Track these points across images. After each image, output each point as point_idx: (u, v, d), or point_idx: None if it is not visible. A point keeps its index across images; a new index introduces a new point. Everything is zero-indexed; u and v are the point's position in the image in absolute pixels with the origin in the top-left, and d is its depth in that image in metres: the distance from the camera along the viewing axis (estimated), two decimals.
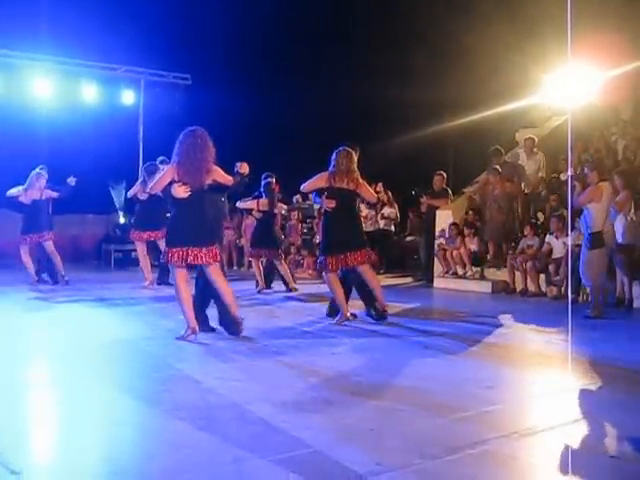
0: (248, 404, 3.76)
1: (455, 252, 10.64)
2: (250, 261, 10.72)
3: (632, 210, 8.09)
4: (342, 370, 4.73)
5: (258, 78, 17.20)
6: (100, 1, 15.57)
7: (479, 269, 10.43)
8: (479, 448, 3.13)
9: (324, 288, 7.40)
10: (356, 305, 7.13)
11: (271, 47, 17.24)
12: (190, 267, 5.75)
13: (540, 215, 10.78)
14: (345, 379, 4.49)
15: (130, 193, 9.85)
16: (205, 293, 5.94)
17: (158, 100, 14.65)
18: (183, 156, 5.56)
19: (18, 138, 12.75)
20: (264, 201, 9.45)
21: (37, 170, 9.68)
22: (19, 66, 13.18)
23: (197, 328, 5.63)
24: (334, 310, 6.87)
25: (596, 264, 7.38)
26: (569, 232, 8.87)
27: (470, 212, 11.11)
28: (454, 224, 10.91)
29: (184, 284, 5.67)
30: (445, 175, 11.52)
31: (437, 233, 11.12)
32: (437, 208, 11.19)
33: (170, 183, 5.58)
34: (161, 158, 9.75)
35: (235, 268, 13.61)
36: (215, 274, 5.69)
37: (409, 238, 13.39)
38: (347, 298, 6.91)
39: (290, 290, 9.50)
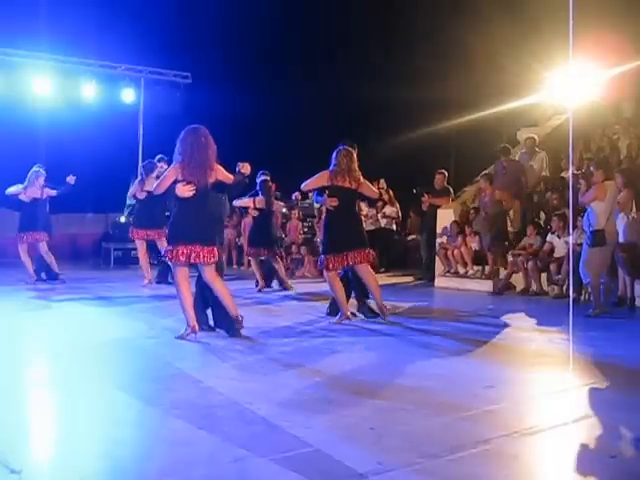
0: (248, 403, 3.74)
1: (456, 251, 10.62)
2: (249, 260, 10.70)
3: (633, 209, 8.07)
4: (343, 369, 4.72)
5: (259, 76, 17.18)
6: None
7: (480, 268, 10.40)
8: (480, 447, 3.11)
9: (324, 287, 7.38)
10: (355, 305, 7.12)
11: (272, 46, 17.22)
12: (190, 265, 5.72)
13: (542, 214, 10.75)
14: (346, 378, 4.47)
15: (129, 193, 9.83)
16: (206, 292, 5.91)
17: (158, 98, 14.61)
18: (187, 155, 5.52)
19: (18, 137, 12.73)
20: (260, 199, 9.43)
21: (35, 168, 9.66)
22: (19, 64, 13.15)
23: (197, 327, 5.61)
24: (335, 309, 6.86)
25: (595, 262, 7.36)
26: (570, 231, 8.84)
27: (472, 211, 11.09)
28: (455, 222, 10.89)
29: (185, 282, 5.64)
30: (446, 174, 11.50)
31: (438, 231, 11.10)
32: (438, 207, 11.17)
33: (174, 182, 5.55)
34: (159, 156, 9.74)
35: (235, 267, 13.60)
36: (211, 276, 5.63)
37: (411, 237, 13.38)
38: (348, 297, 6.90)
39: (286, 289, 9.49)
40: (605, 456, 3.09)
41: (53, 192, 9.72)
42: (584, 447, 3.21)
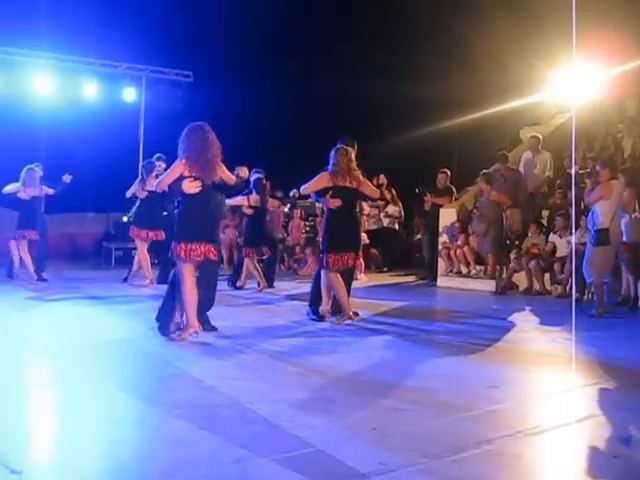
0: (249, 403, 3.72)
1: (459, 250, 10.60)
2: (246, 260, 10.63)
3: (637, 208, 8.04)
4: (345, 369, 4.70)
5: (260, 75, 17.15)
6: None
7: (483, 267, 10.37)
8: (483, 447, 3.10)
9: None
10: (357, 304, 7.09)
11: (274, 44, 17.19)
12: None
13: (545, 213, 10.71)
14: (348, 378, 4.45)
15: (129, 193, 9.78)
16: (207, 293, 5.88)
17: (159, 97, 14.59)
18: (195, 151, 5.45)
19: (18, 136, 12.69)
20: (255, 197, 9.35)
21: (32, 166, 9.62)
22: (19, 63, 13.13)
23: (198, 326, 5.58)
24: (336, 309, 6.83)
25: (599, 261, 7.34)
26: (573, 230, 8.82)
27: (474, 210, 11.05)
28: (458, 221, 10.86)
29: (192, 279, 5.52)
30: (449, 173, 11.47)
31: (441, 231, 11.07)
32: (441, 206, 11.13)
33: (179, 178, 5.51)
34: (157, 155, 9.71)
35: None
36: (188, 274, 5.48)
37: (417, 237, 13.33)
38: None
39: (261, 289, 9.40)
40: (608, 456, 3.08)
41: (51, 191, 9.72)
42: (587, 447, 3.20)
